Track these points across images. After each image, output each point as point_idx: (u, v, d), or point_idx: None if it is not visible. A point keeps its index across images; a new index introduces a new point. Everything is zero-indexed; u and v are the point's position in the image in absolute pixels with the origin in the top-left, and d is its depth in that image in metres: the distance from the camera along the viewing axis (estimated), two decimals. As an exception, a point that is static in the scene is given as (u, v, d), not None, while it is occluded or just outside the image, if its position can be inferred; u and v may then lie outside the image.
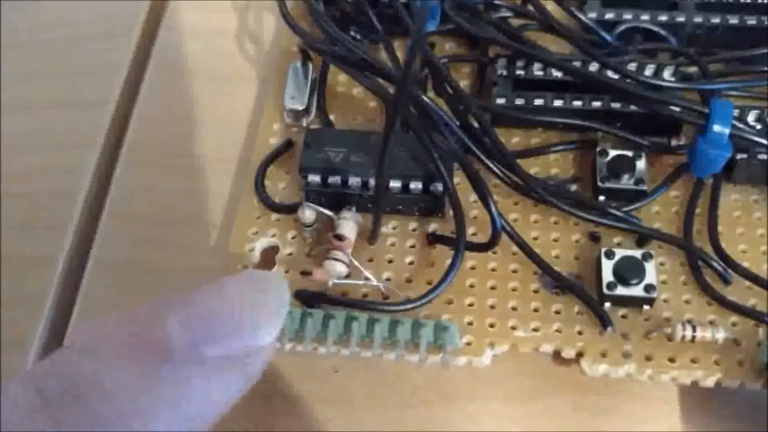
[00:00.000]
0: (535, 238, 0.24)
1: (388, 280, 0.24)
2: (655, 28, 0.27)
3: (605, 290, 0.23)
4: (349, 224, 0.24)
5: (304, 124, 0.27)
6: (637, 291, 0.23)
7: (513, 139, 0.26)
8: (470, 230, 0.24)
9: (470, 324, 0.23)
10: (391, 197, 0.24)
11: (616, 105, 0.25)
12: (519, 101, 0.26)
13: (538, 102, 0.26)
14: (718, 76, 0.26)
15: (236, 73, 0.30)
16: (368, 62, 0.25)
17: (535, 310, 0.23)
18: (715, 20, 0.27)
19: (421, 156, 0.24)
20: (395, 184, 0.24)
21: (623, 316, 0.23)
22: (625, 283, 0.23)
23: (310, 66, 0.28)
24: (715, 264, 0.23)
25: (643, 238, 0.24)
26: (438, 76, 0.25)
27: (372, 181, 0.24)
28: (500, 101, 0.26)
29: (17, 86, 0.30)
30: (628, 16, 0.28)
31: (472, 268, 0.24)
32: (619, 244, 0.24)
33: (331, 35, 0.26)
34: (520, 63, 0.26)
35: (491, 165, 0.24)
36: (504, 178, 0.25)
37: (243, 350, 0.17)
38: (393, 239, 0.25)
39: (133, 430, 0.15)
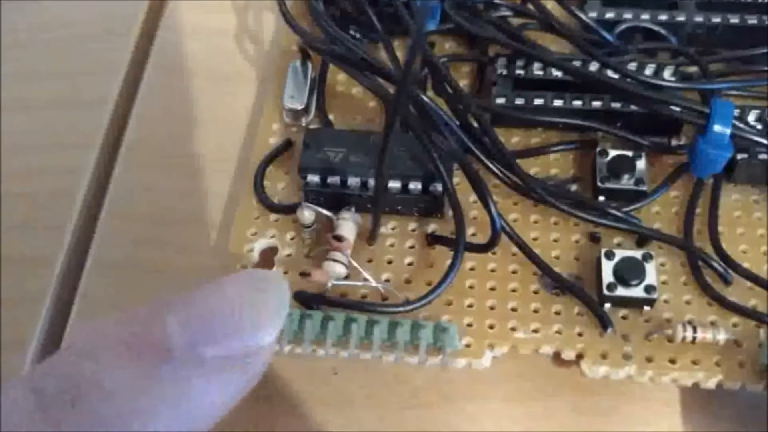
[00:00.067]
0: (535, 239, 0.24)
1: (387, 281, 0.24)
2: (656, 28, 0.27)
3: (605, 291, 0.23)
4: (348, 225, 0.24)
5: (304, 124, 0.27)
6: (637, 292, 0.23)
7: (513, 139, 0.26)
8: (470, 231, 0.24)
9: (470, 325, 0.23)
10: (390, 197, 0.24)
11: (616, 105, 0.25)
12: (519, 101, 0.26)
13: (538, 102, 0.25)
14: (719, 76, 0.26)
15: (236, 72, 0.30)
16: (368, 62, 0.25)
17: (535, 311, 0.23)
18: (716, 20, 0.27)
19: (421, 156, 0.23)
20: (394, 184, 0.24)
21: (623, 317, 0.23)
22: (626, 283, 0.23)
23: (310, 65, 0.28)
24: (715, 264, 0.23)
25: (643, 238, 0.24)
26: (438, 75, 0.25)
27: (371, 182, 0.24)
28: (500, 101, 0.26)
29: (17, 86, 0.30)
30: (628, 15, 0.27)
31: (472, 268, 0.24)
32: (619, 245, 0.24)
33: (331, 34, 0.26)
34: (519, 62, 0.26)
35: (491, 165, 0.24)
36: (504, 178, 0.24)
37: (243, 350, 0.17)
38: (392, 240, 0.25)
39: (133, 431, 0.15)
